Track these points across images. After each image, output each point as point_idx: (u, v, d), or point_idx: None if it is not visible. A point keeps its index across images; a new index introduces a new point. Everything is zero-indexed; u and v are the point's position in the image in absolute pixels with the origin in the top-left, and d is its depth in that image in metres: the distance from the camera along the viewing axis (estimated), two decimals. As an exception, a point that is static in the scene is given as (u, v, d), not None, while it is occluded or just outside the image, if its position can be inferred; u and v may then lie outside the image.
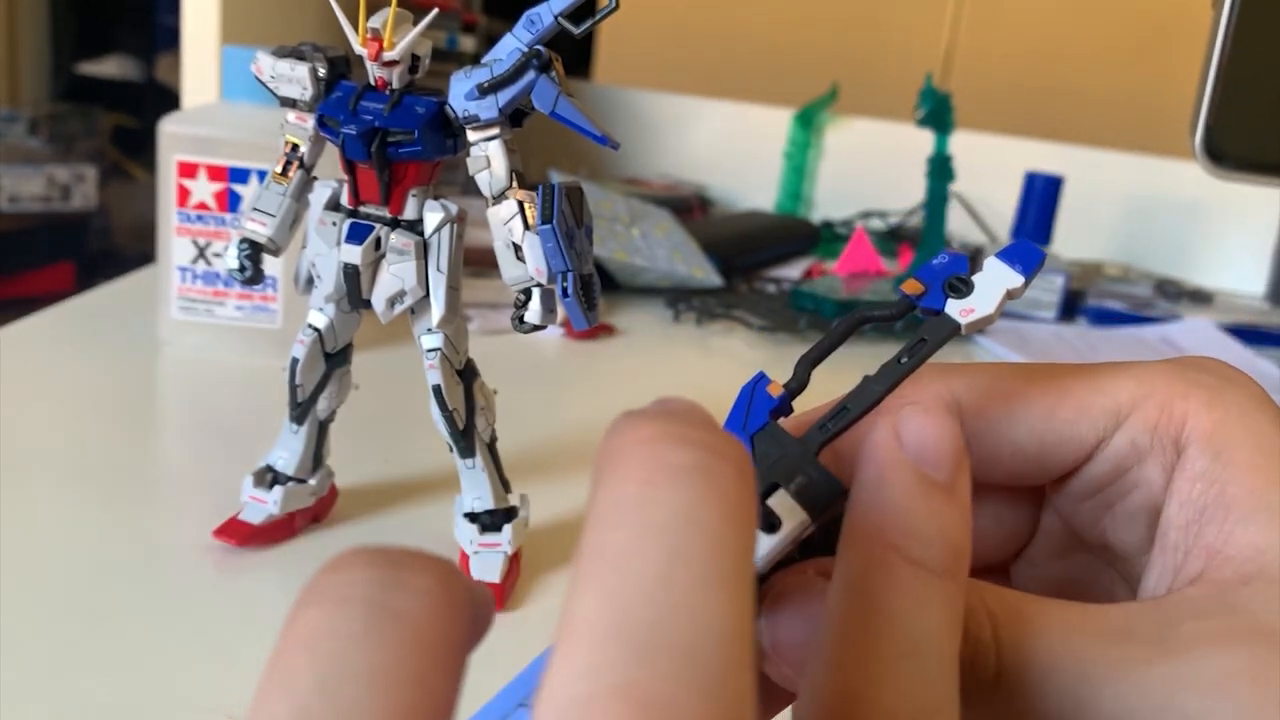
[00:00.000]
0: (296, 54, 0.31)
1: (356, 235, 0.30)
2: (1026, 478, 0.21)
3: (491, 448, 0.33)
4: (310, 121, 0.31)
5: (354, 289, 0.31)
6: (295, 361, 0.33)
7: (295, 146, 0.32)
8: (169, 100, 0.68)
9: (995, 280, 0.18)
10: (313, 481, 0.35)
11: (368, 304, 0.31)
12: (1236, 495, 0.19)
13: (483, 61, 0.29)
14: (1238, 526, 0.19)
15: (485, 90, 0.29)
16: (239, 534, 0.34)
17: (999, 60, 1.30)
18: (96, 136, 2.21)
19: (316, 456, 0.35)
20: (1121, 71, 1.26)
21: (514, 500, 0.34)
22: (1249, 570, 0.19)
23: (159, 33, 2.29)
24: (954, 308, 0.18)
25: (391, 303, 0.31)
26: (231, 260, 0.32)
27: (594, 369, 0.58)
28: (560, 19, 0.27)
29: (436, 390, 0.32)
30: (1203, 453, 0.19)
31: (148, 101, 2.20)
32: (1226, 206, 0.97)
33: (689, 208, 0.92)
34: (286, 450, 0.35)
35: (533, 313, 0.30)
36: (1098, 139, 1.02)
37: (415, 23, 0.29)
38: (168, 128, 0.50)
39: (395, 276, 0.31)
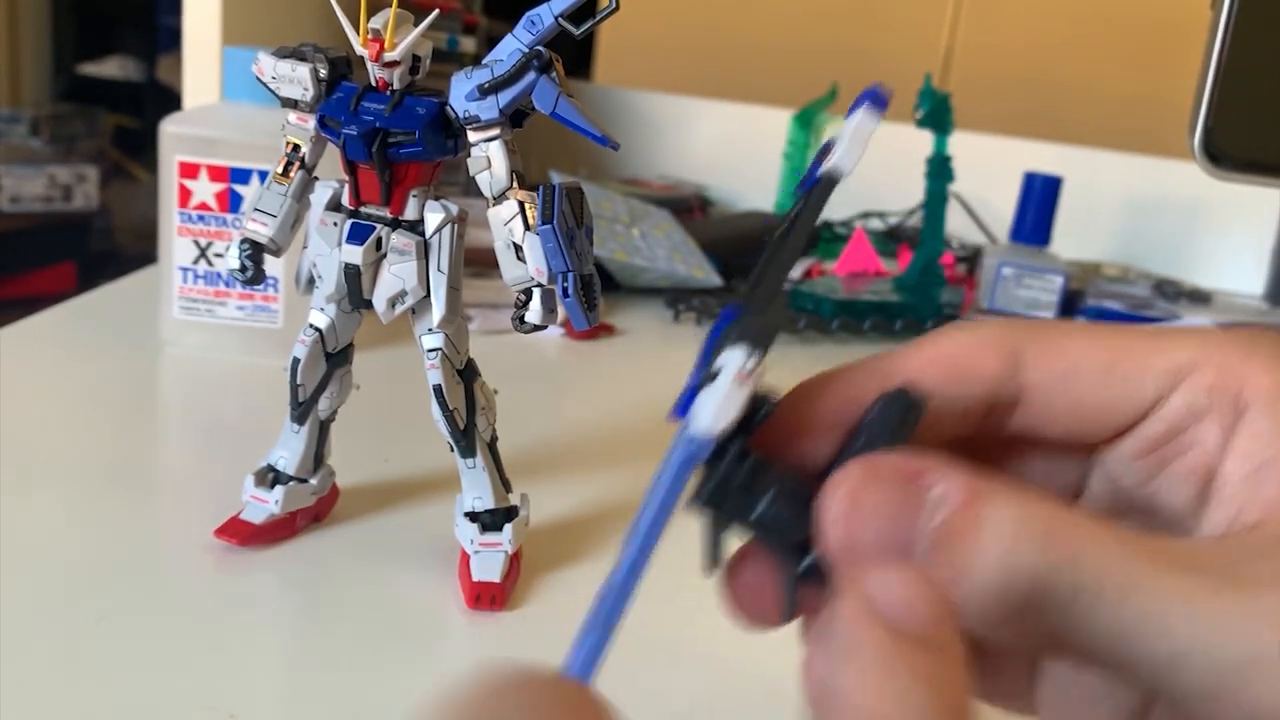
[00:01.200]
0: (297, 55, 0.31)
1: (357, 235, 0.31)
2: (1080, 434, 0.21)
3: (492, 447, 0.33)
4: (311, 122, 0.31)
5: (355, 289, 0.31)
6: (296, 361, 0.33)
7: (296, 147, 0.32)
8: (170, 101, 0.68)
9: (850, 127, 0.20)
10: (314, 481, 0.35)
11: (369, 304, 0.32)
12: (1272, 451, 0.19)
13: (483, 62, 0.29)
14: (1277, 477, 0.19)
15: (486, 91, 0.29)
16: (240, 533, 0.34)
17: (998, 61, 1.30)
18: (98, 137, 2.21)
19: (318, 456, 0.35)
20: (1120, 72, 1.26)
21: (514, 500, 0.34)
22: None
23: (160, 33, 2.29)
24: (822, 168, 0.20)
25: (393, 303, 0.31)
26: (233, 260, 0.32)
27: (594, 369, 0.58)
28: (561, 20, 0.28)
29: (437, 390, 0.32)
30: (1264, 414, 0.20)
31: (149, 102, 2.20)
32: (1225, 207, 0.97)
33: (689, 208, 0.92)
34: (288, 450, 0.35)
35: (533, 313, 0.30)
36: (1096, 139, 1.02)
37: (416, 24, 0.29)
38: (169, 128, 0.51)
39: (396, 277, 0.31)
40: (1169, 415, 0.21)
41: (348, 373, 0.34)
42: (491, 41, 0.35)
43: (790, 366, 0.40)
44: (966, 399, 0.21)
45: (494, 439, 0.34)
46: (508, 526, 0.33)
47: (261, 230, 0.32)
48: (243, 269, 0.32)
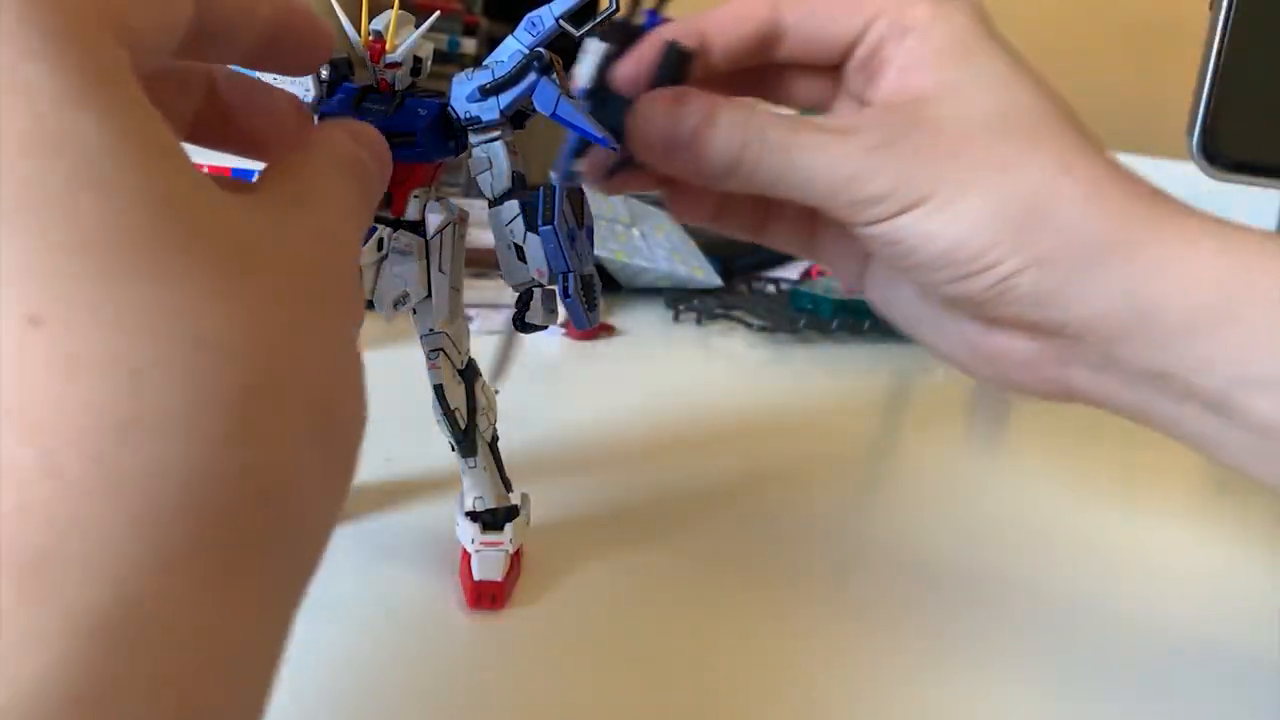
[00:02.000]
0: None
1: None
2: (822, 57, 0.32)
3: (493, 447, 0.34)
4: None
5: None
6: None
7: None
8: (171, 101, 0.68)
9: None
10: None
11: (371, 305, 0.32)
12: (922, 59, 0.30)
13: (484, 64, 0.29)
14: (915, 74, 0.30)
15: (487, 92, 0.29)
16: None
17: (998, 61, 1.30)
18: (98, 137, 2.21)
19: None
20: (1120, 72, 1.26)
21: (515, 499, 0.34)
22: (912, 95, 0.30)
23: (160, 33, 2.29)
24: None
25: (395, 303, 0.31)
26: None
27: (594, 369, 0.58)
28: (561, 21, 0.28)
29: (438, 390, 0.32)
30: (914, 34, 0.30)
31: (149, 102, 2.20)
32: (1224, 207, 0.97)
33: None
34: None
35: (534, 313, 0.30)
36: (1096, 139, 1.02)
37: (417, 25, 0.29)
38: (170, 129, 0.51)
39: (398, 277, 0.31)
40: (870, 40, 0.31)
41: None
42: (492, 42, 0.35)
43: (791, 366, 0.40)
44: (748, 37, 0.32)
45: (495, 439, 0.34)
46: (508, 526, 0.33)
47: None
48: None
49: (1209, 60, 0.48)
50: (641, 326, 0.66)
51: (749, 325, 0.66)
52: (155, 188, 0.15)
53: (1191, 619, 0.37)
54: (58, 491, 0.13)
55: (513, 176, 0.30)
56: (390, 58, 0.29)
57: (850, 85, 0.33)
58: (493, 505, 0.33)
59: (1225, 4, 0.47)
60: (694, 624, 0.33)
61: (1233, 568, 0.41)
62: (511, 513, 0.34)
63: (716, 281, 0.72)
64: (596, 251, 0.67)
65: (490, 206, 0.30)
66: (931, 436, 0.54)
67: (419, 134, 0.29)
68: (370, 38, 0.29)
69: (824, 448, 0.51)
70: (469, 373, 0.33)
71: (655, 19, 0.30)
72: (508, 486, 0.34)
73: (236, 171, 0.50)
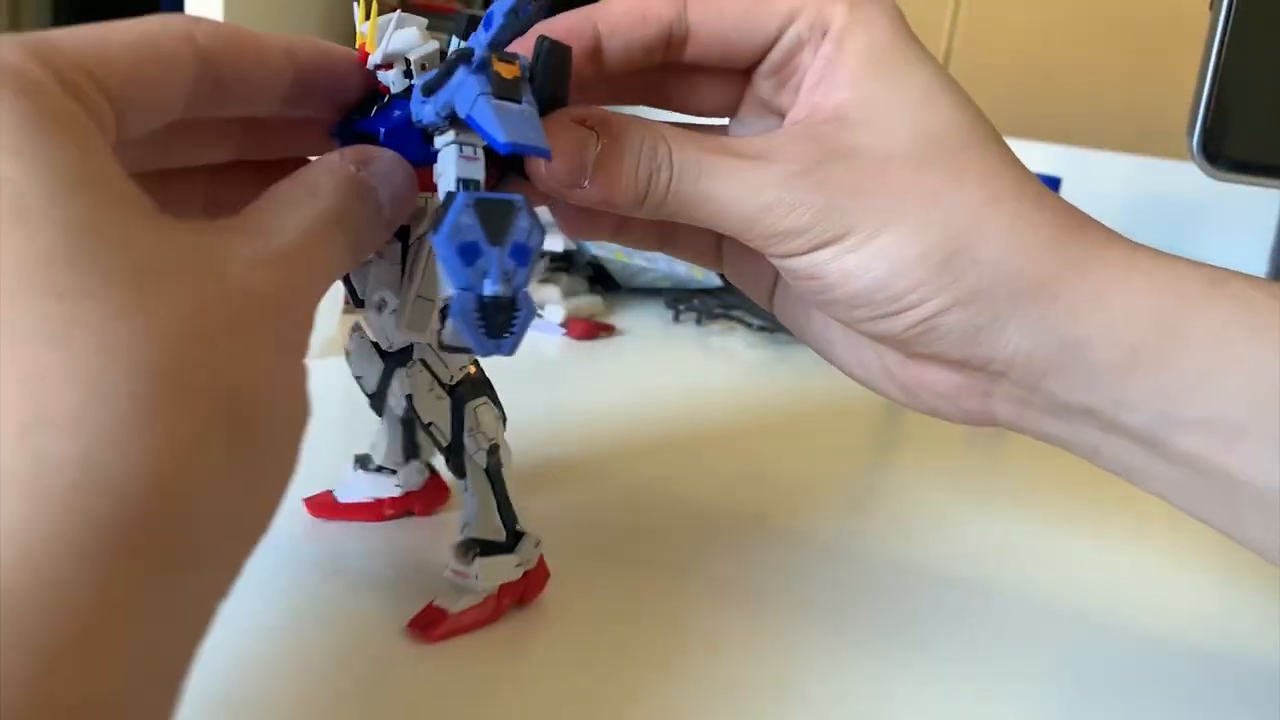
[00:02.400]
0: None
1: None
2: (731, 60, 0.30)
3: (492, 474, 0.31)
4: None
5: (351, 290, 0.31)
6: (347, 353, 0.33)
7: None
8: (171, 101, 0.68)
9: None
10: (400, 474, 0.36)
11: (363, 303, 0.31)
12: (840, 70, 0.28)
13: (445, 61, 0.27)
14: (833, 88, 0.29)
15: (427, 92, 0.27)
16: (325, 507, 0.36)
17: (996, 62, 1.30)
18: (97, 137, 2.21)
19: (407, 450, 0.36)
20: (1120, 72, 1.26)
21: (516, 536, 0.31)
22: (830, 115, 0.29)
23: (160, 33, 2.29)
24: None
25: (378, 307, 0.30)
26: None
27: (594, 369, 0.58)
28: (505, 14, 0.26)
29: (408, 399, 0.31)
30: (831, 41, 0.29)
31: (149, 102, 2.19)
32: (1225, 207, 0.97)
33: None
34: (377, 440, 0.36)
35: (445, 331, 0.29)
36: (1096, 140, 1.02)
37: (428, 27, 0.28)
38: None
39: (378, 280, 0.30)
40: (784, 44, 0.29)
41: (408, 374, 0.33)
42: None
43: (791, 366, 0.40)
44: (650, 37, 0.29)
45: (493, 466, 0.31)
46: (481, 559, 0.30)
47: None
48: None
49: (1209, 60, 0.48)
50: (641, 326, 0.66)
51: (749, 325, 0.66)
52: (75, 218, 0.17)
53: (1191, 635, 0.37)
54: None
55: (457, 183, 0.26)
56: (373, 60, 0.28)
57: (759, 91, 0.31)
58: (478, 535, 0.31)
59: (1225, 4, 0.47)
60: (694, 625, 0.33)
61: (1231, 585, 0.41)
62: (496, 548, 0.31)
63: (716, 281, 0.72)
64: (596, 252, 0.67)
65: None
66: (932, 436, 0.54)
67: (381, 136, 0.28)
68: (361, 41, 0.28)
69: (824, 448, 0.51)
70: (461, 389, 0.31)
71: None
72: (508, 520, 0.31)
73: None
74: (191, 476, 0.17)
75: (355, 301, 0.31)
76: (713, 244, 0.34)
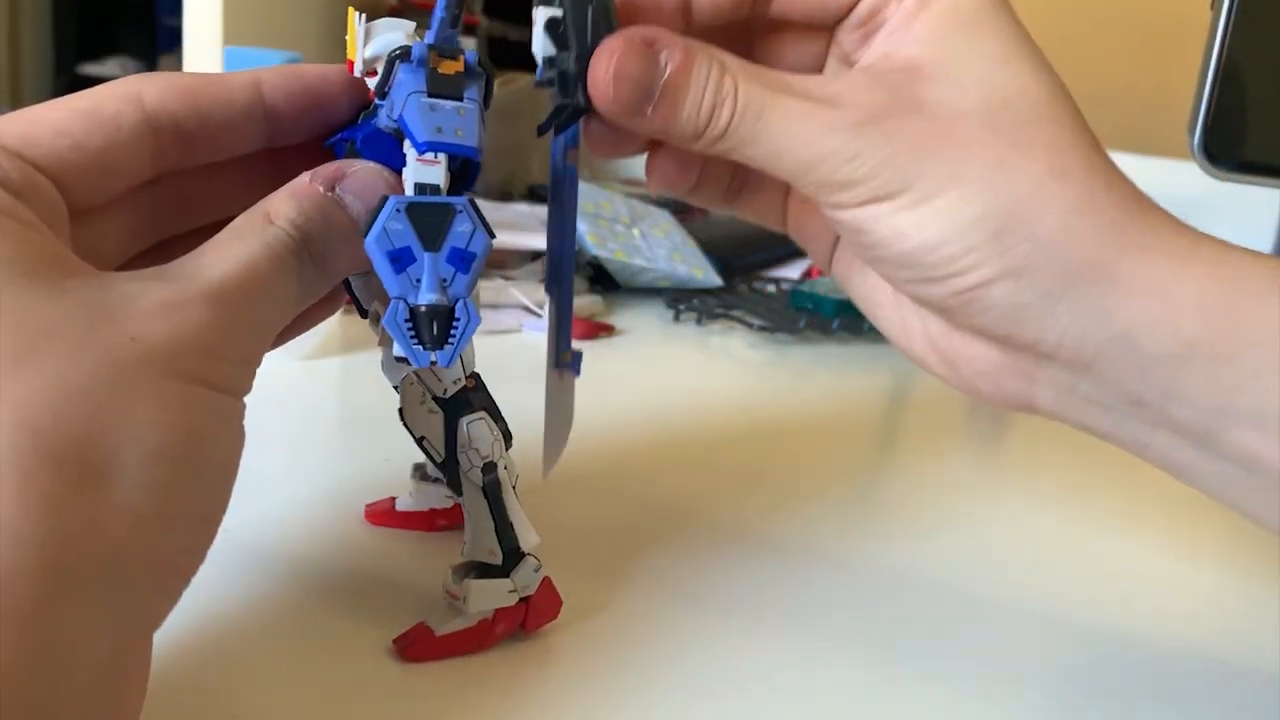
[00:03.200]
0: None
1: None
2: (820, 15, 0.30)
3: (490, 494, 0.30)
4: None
5: (355, 300, 0.30)
6: (382, 362, 0.31)
7: None
8: (171, 101, 0.68)
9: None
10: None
11: (366, 314, 0.31)
12: (919, 22, 0.28)
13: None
14: (908, 41, 0.28)
15: (379, 96, 0.26)
16: (383, 516, 0.36)
17: (999, 61, 1.30)
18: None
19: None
20: (1120, 72, 1.26)
21: (495, 559, 0.30)
22: (902, 66, 0.28)
23: (161, 34, 2.29)
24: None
25: (375, 318, 0.30)
26: None
27: (594, 369, 0.58)
28: (447, 12, 0.26)
29: (400, 412, 0.30)
30: (915, 2, 0.28)
31: (149, 102, 2.19)
32: (1225, 207, 0.97)
33: (689, 208, 0.93)
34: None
35: (381, 339, 0.27)
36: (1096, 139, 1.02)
37: (412, 30, 0.28)
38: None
39: (365, 292, 0.30)
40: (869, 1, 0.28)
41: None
42: (493, 43, 0.35)
43: (791, 366, 0.40)
44: None
45: (490, 484, 0.30)
46: (470, 581, 0.29)
47: None
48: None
49: (1210, 59, 0.48)
50: (641, 326, 0.66)
51: (749, 325, 0.66)
52: None
53: (1193, 637, 0.37)
54: None
55: (415, 187, 0.25)
56: (357, 69, 0.27)
57: (843, 45, 0.30)
58: (472, 557, 0.30)
59: (1226, 3, 0.47)
60: (692, 627, 0.33)
61: (1233, 586, 0.41)
62: (488, 571, 0.29)
63: (716, 281, 0.72)
64: (597, 252, 0.67)
65: None
66: (932, 436, 0.54)
67: (358, 143, 0.27)
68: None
69: (824, 448, 0.51)
70: (453, 403, 0.29)
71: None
72: (507, 544, 0.30)
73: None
74: (58, 520, 0.18)
75: (361, 313, 0.31)
76: (779, 203, 0.33)
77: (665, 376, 0.58)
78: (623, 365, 0.59)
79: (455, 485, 0.30)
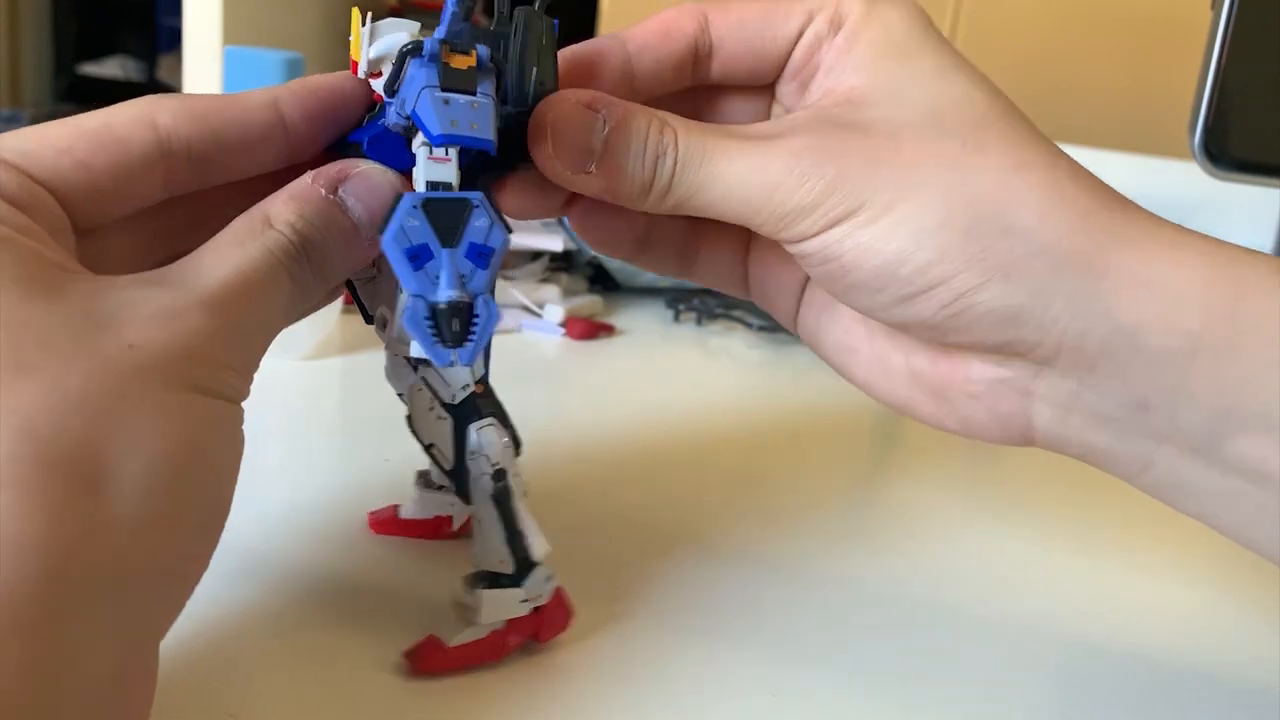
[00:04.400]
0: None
1: None
2: (759, 73, 0.30)
3: (500, 502, 0.29)
4: None
5: (361, 305, 0.30)
6: (387, 369, 0.31)
7: None
8: (170, 101, 0.68)
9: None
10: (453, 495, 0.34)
11: (371, 319, 0.30)
12: (852, 57, 0.28)
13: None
14: (844, 75, 0.28)
15: (389, 93, 0.26)
16: (387, 525, 0.35)
17: (997, 61, 1.30)
18: (98, 137, 2.20)
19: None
20: (1120, 72, 1.26)
21: (507, 569, 0.29)
22: (842, 98, 0.28)
23: (161, 34, 2.29)
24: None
25: (381, 324, 0.29)
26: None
27: (594, 369, 0.58)
28: (459, 6, 0.26)
29: (408, 419, 0.30)
30: (844, 33, 0.28)
31: (149, 102, 2.19)
32: (1225, 207, 0.97)
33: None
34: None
35: (399, 338, 0.27)
36: (1096, 139, 1.02)
37: (416, 29, 0.27)
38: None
39: (370, 297, 0.30)
40: (804, 44, 0.29)
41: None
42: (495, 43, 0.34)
43: (791, 366, 0.39)
44: (677, 52, 0.29)
45: (500, 492, 0.29)
46: (483, 591, 0.29)
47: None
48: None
49: (1210, 59, 0.48)
50: (641, 326, 0.66)
51: (749, 325, 0.66)
52: None
53: (1191, 653, 0.37)
54: None
55: (427, 185, 0.25)
56: (361, 70, 0.27)
57: (783, 99, 0.31)
58: (483, 566, 0.29)
59: (1227, 3, 0.47)
60: (692, 629, 0.33)
61: (1230, 600, 0.41)
62: (500, 580, 0.29)
63: (717, 281, 0.72)
64: (597, 251, 0.67)
65: None
66: (931, 439, 0.54)
67: (364, 145, 0.27)
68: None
69: (824, 448, 0.51)
70: (462, 410, 0.29)
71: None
72: (518, 552, 0.29)
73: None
74: (60, 530, 0.18)
75: (366, 319, 0.31)
76: (737, 265, 0.32)
77: (665, 376, 0.58)
78: (623, 365, 0.59)
79: (464, 494, 0.29)
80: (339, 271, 0.26)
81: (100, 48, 2.37)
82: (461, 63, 0.25)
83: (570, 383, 0.56)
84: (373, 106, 0.28)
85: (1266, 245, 0.96)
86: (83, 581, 0.18)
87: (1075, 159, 0.27)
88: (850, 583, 0.37)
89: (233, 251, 0.23)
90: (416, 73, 0.25)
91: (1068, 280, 0.25)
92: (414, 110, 0.25)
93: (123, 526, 0.19)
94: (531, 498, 0.35)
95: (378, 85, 0.27)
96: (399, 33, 0.27)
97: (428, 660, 0.28)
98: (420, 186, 0.25)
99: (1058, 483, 0.48)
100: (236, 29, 0.66)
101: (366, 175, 0.26)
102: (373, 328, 0.31)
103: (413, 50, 0.25)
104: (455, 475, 0.29)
